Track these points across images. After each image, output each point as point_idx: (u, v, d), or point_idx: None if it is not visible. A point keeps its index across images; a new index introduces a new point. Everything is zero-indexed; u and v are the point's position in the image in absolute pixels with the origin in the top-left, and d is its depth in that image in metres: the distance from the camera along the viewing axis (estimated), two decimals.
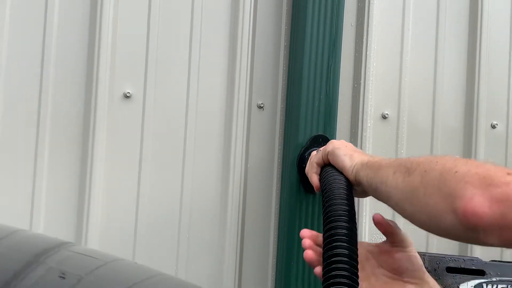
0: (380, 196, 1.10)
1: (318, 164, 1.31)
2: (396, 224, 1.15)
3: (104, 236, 1.69)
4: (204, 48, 1.82)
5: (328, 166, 1.26)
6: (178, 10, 1.81)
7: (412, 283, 1.11)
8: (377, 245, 1.18)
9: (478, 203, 0.84)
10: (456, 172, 0.90)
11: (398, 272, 1.11)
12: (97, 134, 1.68)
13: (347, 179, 1.18)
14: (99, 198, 1.69)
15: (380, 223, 1.14)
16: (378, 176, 1.09)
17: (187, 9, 1.81)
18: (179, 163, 1.79)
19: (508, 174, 0.85)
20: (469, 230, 0.86)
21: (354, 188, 1.18)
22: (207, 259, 1.80)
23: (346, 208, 1.06)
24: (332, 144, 1.28)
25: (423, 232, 2.01)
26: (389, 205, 1.08)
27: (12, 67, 1.65)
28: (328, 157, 1.26)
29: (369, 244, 1.19)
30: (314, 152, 1.40)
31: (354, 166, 1.17)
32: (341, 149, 1.24)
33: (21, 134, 1.65)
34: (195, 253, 1.79)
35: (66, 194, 1.68)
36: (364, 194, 1.21)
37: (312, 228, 1.76)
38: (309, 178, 1.34)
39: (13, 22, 1.65)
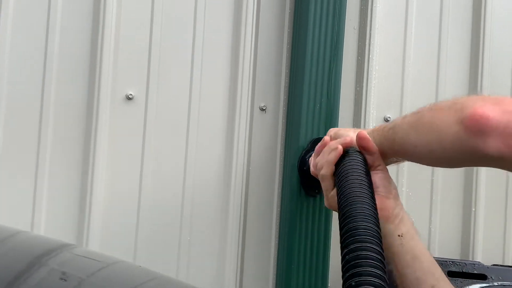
0: (387, 144, 1.12)
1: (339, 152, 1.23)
2: (375, 147, 1.16)
3: (105, 238, 1.69)
4: (206, 51, 1.82)
5: (340, 165, 1.21)
6: (181, 12, 1.81)
7: (387, 197, 1.16)
8: None
9: (489, 108, 0.86)
10: (469, 96, 0.94)
11: (375, 187, 1.14)
12: (99, 136, 1.68)
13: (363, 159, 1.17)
14: (100, 200, 1.69)
15: (363, 139, 1.15)
16: (386, 128, 1.13)
17: (190, 12, 1.81)
18: (181, 165, 1.79)
19: None
20: (474, 134, 0.87)
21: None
22: (208, 262, 1.80)
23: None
24: (333, 130, 1.31)
25: (424, 237, 2.01)
26: (396, 146, 1.09)
27: (15, 69, 1.65)
28: (335, 137, 1.25)
29: None
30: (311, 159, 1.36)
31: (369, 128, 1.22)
32: (343, 129, 1.29)
33: (23, 136, 1.65)
34: (197, 255, 1.79)
35: (68, 196, 1.68)
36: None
37: (312, 231, 1.76)
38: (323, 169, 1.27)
39: (16, 24, 1.65)
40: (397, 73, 2.01)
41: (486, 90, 2.07)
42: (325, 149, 1.21)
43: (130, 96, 1.74)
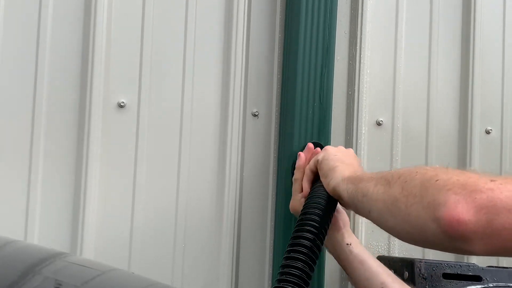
0: (361, 209, 1.10)
1: (312, 171, 1.35)
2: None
3: (99, 246, 1.68)
4: (198, 57, 1.82)
5: (319, 184, 1.33)
6: (172, 19, 1.81)
7: (339, 211, 1.35)
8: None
9: (462, 210, 0.80)
10: (437, 180, 0.87)
11: None
12: (91, 144, 1.68)
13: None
14: (93, 208, 1.68)
15: (309, 150, 1.34)
16: (359, 189, 1.09)
17: (181, 19, 1.82)
18: (174, 172, 1.79)
19: (492, 180, 0.82)
20: (454, 239, 0.83)
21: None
22: (203, 268, 1.80)
23: (315, 224, 1.18)
24: (324, 152, 1.34)
25: None
26: (371, 219, 1.07)
27: (4, 78, 1.65)
28: (318, 167, 1.34)
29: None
30: (301, 153, 1.52)
31: (331, 180, 1.24)
32: (329, 160, 1.30)
33: (14, 145, 1.64)
34: (191, 262, 1.79)
35: (61, 204, 1.67)
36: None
37: None
38: (302, 185, 1.39)
39: (6, 31, 1.65)
40: (388, 77, 2.02)
41: (477, 92, 2.08)
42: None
43: (122, 104, 1.74)
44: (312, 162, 1.38)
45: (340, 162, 1.28)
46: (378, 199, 1.01)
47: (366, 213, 1.08)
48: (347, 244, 1.31)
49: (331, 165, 1.27)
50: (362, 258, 1.29)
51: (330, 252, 1.43)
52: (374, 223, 1.07)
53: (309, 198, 1.26)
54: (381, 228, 1.06)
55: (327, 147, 1.37)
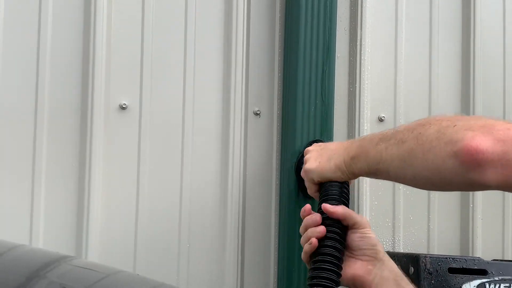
0: (380, 175, 1.11)
1: (313, 183, 1.27)
2: (346, 209, 1.19)
3: (104, 249, 1.69)
4: (198, 58, 1.82)
5: (328, 184, 1.23)
6: (172, 20, 1.81)
7: (363, 260, 1.18)
8: None
9: (480, 141, 0.85)
10: (455, 125, 0.91)
11: (352, 249, 1.18)
12: (94, 146, 1.68)
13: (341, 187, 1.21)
14: (98, 211, 1.69)
15: (331, 213, 1.17)
16: (370, 161, 1.10)
17: (181, 20, 1.82)
18: (177, 173, 1.79)
19: (508, 124, 0.87)
20: (470, 169, 0.87)
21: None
22: (208, 269, 1.80)
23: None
24: (308, 167, 1.24)
25: (423, 234, 2.01)
26: (391, 179, 1.09)
27: (6, 82, 1.65)
28: (320, 180, 1.23)
29: None
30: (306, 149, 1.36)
31: (342, 168, 1.17)
32: (311, 162, 1.23)
33: (17, 148, 1.65)
34: (196, 262, 1.79)
35: (65, 208, 1.68)
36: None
37: None
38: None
39: (6, 35, 1.65)
40: (389, 73, 2.02)
41: (478, 87, 2.07)
42: (304, 227, 1.22)
43: (124, 106, 1.74)
44: (304, 177, 1.28)
45: (320, 155, 1.23)
46: (393, 158, 1.03)
47: (384, 176, 1.10)
48: None
49: (319, 163, 1.22)
50: None
51: None
52: (395, 181, 1.10)
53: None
54: (402, 183, 1.11)
55: (305, 157, 1.29)
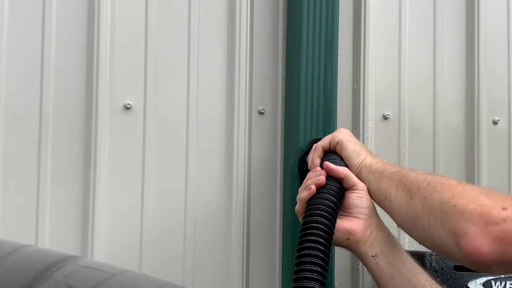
0: (383, 208, 1.22)
1: (323, 148, 1.37)
2: (347, 170, 1.26)
3: (110, 248, 1.69)
4: (202, 57, 1.83)
5: (332, 154, 1.33)
6: (175, 20, 1.81)
7: (359, 218, 1.23)
8: None
9: (481, 243, 0.94)
10: (455, 206, 1.00)
11: (349, 208, 1.24)
12: (98, 147, 1.69)
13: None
14: (103, 210, 1.69)
15: (332, 170, 1.23)
16: (381, 187, 1.21)
17: (184, 20, 1.82)
18: (182, 172, 1.79)
19: (503, 209, 0.95)
20: (475, 264, 0.97)
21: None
22: (213, 267, 1.80)
23: (331, 205, 1.18)
24: (342, 134, 1.36)
25: None
26: (393, 219, 1.19)
27: (11, 83, 1.66)
28: (337, 147, 1.34)
29: None
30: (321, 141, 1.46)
31: (359, 166, 1.27)
32: (351, 142, 1.34)
33: (22, 148, 1.65)
34: (202, 261, 1.79)
35: (70, 208, 1.68)
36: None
37: None
38: (310, 159, 1.39)
39: (10, 36, 1.66)
40: (393, 70, 2.01)
41: (483, 83, 2.07)
42: (302, 186, 1.29)
43: (128, 106, 1.74)
44: (326, 141, 1.39)
45: (362, 147, 1.33)
46: (401, 209, 1.14)
47: (388, 213, 1.20)
48: (372, 256, 1.21)
49: (356, 148, 1.32)
50: (392, 270, 1.19)
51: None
52: (398, 226, 1.19)
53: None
54: (403, 230, 1.20)
55: (340, 129, 1.40)
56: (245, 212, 1.83)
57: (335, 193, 1.20)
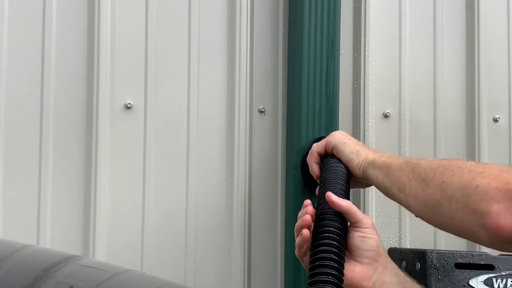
0: (398, 201, 1.13)
1: (319, 153, 1.28)
2: (351, 204, 1.11)
3: (111, 248, 1.69)
4: (202, 56, 1.83)
5: (330, 158, 1.24)
6: (175, 20, 1.81)
7: (363, 263, 1.09)
8: None
9: (505, 220, 0.92)
10: (477, 186, 0.96)
11: (351, 250, 1.10)
12: (100, 146, 1.69)
13: (347, 170, 1.20)
14: (104, 210, 1.69)
15: (333, 204, 1.09)
16: (392, 180, 1.13)
17: (184, 19, 1.82)
18: (183, 171, 1.79)
19: None
20: (501, 242, 0.94)
21: (358, 180, 1.20)
22: (215, 266, 1.80)
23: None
24: (336, 138, 1.26)
25: (430, 230, 2.01)
26: (411, 211, 1.11)
27: (12, 83, 1.66)
28: (333, 151, 1.25)
29: None
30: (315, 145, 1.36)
31: (362, 164, 1.19)
32: (347, 144, 1.23)
33: (24, 148, 1.65)
34: (203, 260, 1.79)
35: (72, 208, 1.68)
36: (368, 185, 1.23)
37: None
38: (309, 166, 1.30)
39: (11, 36, 1.66)
40: (394, 68, 2.01)
41: (483, 80, 2.07)
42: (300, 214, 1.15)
43: (129, 105, 1.74)
44: (321, 146, 1.27)
45: (360, 145, 1.25)
46: (418, 197, 1.06)
47: (404, 205, 1.11)
48: None
49: (353, 148, 1.23)
50: None
51: None
52: (416, 216, 1.10)
53: (327, 180, 1.17)
54: (421, 219, 1.11)
55: (334, 133, 1.32)
56: (246, 210, 1.83)
57: (337, 231, 1.06)
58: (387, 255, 1.13)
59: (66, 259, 0.94)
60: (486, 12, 2.08)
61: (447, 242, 1.99)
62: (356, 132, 1.94)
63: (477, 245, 2.02)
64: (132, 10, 1.77)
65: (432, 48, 2.06)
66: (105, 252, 1.68)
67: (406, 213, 1.98)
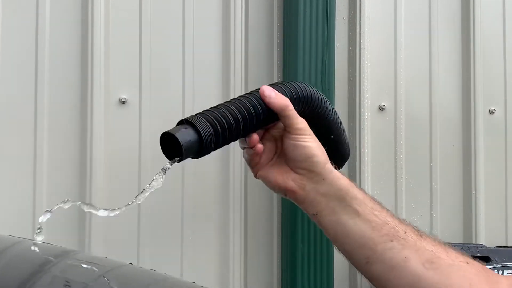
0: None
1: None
2: (288, 102, 0.98)
3: (108, 242, 1.69)
4: (197, 50, 1.82)
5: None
6: (170, 14, 1.80)
7: (298, 173, 0.98)
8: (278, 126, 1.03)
9: None
10: None
11: (287, 159, 0.99)
12: (94, 140, 1.68)
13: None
14: (100, 204, 1.68)
15: (266, 96, 0.97)
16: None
17: (179, 14, 1.81)
18: (179, 167, 1.78)
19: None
20: None
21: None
22: (212, 258, 1.80)
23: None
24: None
25: (426, 223, 2.01)
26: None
27: (5, 78, 1.65)
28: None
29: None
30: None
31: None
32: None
33: (19, 142, 1.65)
34: (200, 255, 1.79)
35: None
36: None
37: (315, 231, 1.75)
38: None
39: (4, 29, 1.65)
40: (389, 61, 2.01)
41: (479, 72, 2.07)
42: None
43: (123, 100, 1.73)
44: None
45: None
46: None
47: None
48: (313, 214, 0.99)
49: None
50: (336, 228, 0.97)
51: None
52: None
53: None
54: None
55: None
56: (243, 201, 1.83)
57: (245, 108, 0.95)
58: (328, 163, 0.99)
59: (63, 254, 0.93)
60: (481, 4, 2.08)
61: (443, 235, 2.00)
62: (352, 125, 1.94)
63: (473, 237, 2.02)
64: (126, 3, 1.75)
65: (428, 40, 2.06)
66: (101, 246, 1.67)
67: (402, 206, 1.98)
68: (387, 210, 0.97)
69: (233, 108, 0.97)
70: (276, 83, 1.04)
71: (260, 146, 1.01)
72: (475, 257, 1.50)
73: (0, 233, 1.05)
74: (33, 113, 1.66)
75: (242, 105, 0.97)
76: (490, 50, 2.11)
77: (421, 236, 0.94)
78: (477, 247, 1.75)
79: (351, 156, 1.35)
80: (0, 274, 0.80)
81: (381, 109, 1.99)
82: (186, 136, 0.94)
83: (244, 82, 1.85)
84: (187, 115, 1.78)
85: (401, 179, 1.98)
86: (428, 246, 0.92)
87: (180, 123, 0.99)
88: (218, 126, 0.96)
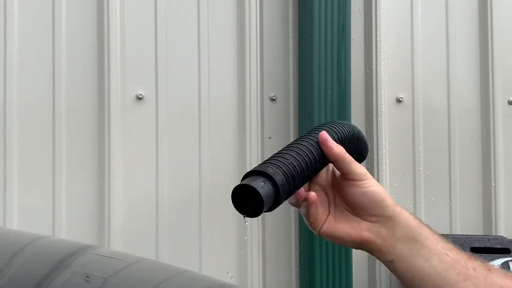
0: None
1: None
2: (344, 152, 0.94)
3: (126, 237, 1.70)
4: (212, 46, 1.82)
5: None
6: (185, 10, 1.81)
7: (369, 221, 0.94)
8: (335, 175, 0.98)
9: None
10: None
11: (354, 208, 0.95)
12: (112, 137, 1.69)
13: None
14: (119, 200, 1.70)
15: (324, 143, 0.93)
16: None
17: (194, 10, 1.81)
18: (195, 160, 1.79)
19: None
20: None
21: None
22: (230, 253, 1.81)
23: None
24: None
25: (445, 215, 1.99)
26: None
27: (23, 77, 1.67)
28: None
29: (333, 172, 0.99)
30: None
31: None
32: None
33: (38, 141, 1.66)
34: (218, 248, 1.79)
35: (86, 198, 1.69)
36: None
37: None
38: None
39: (22, 28, 1.66)
40: (406, 53, 1.99)
41: (497, 63, 2.04)
42: None
43: (140, 96, 1.74)
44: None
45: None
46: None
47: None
48: (390, 261, 0.96)
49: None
50: (411, 276, 0.95)
51: None
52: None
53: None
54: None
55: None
56: None
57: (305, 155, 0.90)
58: (395, 204, 0.95)
59: (82, 249, 0.94)
60: None
61: (463, 227, 1.98)
62: (369, 118, 1.93)
63: (493, 228, 2.00)
64: (141, 1, 1.76)
65: (445, 31, 2.03)
66: (120, 241, 1.69)
67: (421, 198, 1.97)
68: (453, 244, 0.95)
69: (300, 159, 0.90)
70: (323, 125, 0.99)
71: (313, 194, 0.95)
72: (495, 249, 1.47)
73: (20, 230, 1.06)
74: (51, 111, 1.68)
75: (305, 156, 0.91)
76: (508, 40, 2.08)
77: (489, 270, 0.93)
78: (497, 239, 1.74)
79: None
80: (20, 270, 0.81)
81: (399, 101, 1.97)
82: (268, 198, 0.87)
83: (260, 76, 1.85)
84: (203, 110, 1.79)
85: (420, 171, 1.96)
86: (498, 280, 0.92)
87: (257, 173, 0.89)
88: (291, 184, 0.90)
